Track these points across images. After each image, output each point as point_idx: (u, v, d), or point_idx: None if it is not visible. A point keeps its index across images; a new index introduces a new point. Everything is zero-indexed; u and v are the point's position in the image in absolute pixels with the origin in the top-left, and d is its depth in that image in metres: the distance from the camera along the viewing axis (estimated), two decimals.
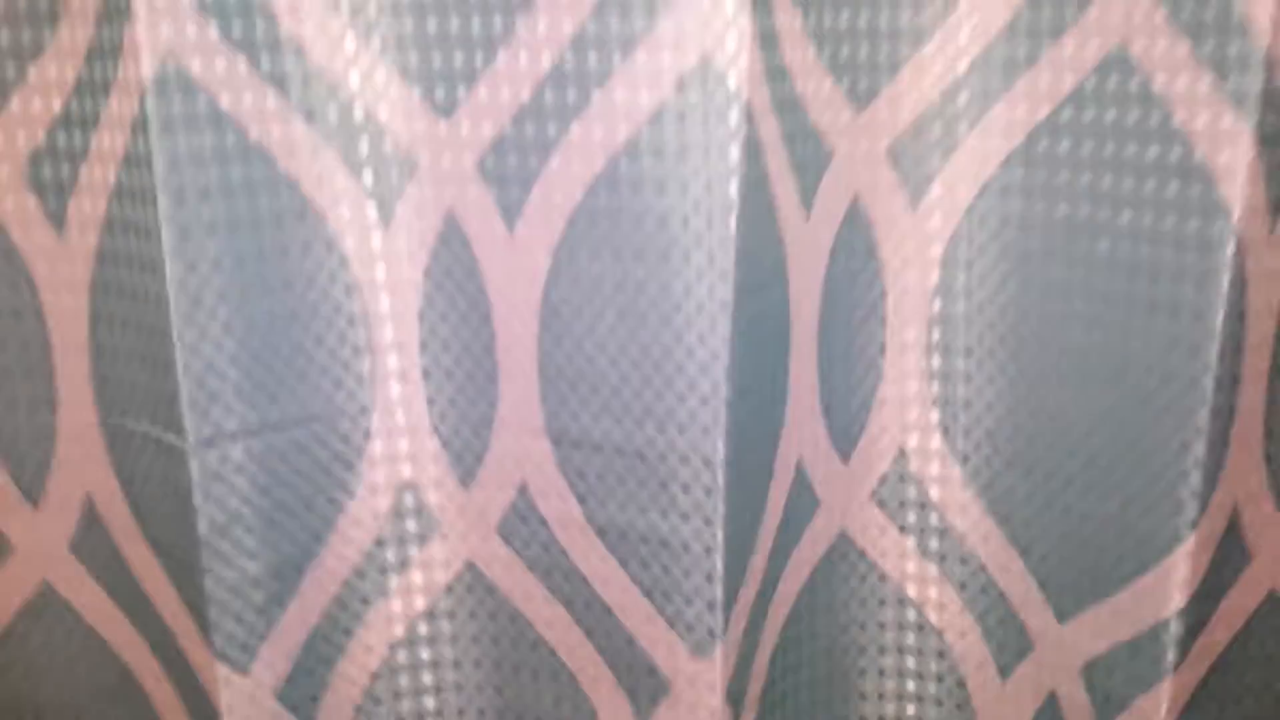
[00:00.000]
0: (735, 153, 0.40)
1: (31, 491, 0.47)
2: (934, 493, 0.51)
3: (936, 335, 0.49)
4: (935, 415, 0.50)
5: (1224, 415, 0.42)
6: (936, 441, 0.50)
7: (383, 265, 0.45)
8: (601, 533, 0.46)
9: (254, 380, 0.43)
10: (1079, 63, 0.43)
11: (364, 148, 0.44)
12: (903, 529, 0.52)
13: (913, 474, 0.51)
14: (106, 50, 0.40)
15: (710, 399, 0.43)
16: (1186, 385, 0.42)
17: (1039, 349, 0.47)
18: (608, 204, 0.42)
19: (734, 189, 0.41)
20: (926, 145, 0.47)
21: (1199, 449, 0.43)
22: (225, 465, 0.43)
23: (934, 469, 0.51)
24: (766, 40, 0.40)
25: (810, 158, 0.45)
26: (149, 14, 0.38)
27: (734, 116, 0.40)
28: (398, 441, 0.48)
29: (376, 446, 0.47)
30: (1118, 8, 0.42)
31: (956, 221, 0.48)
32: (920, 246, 0.48)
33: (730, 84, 0.40)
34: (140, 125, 0.39)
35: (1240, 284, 0.41)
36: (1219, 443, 0.43)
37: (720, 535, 0.44)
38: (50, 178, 0.43)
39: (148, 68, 0.38)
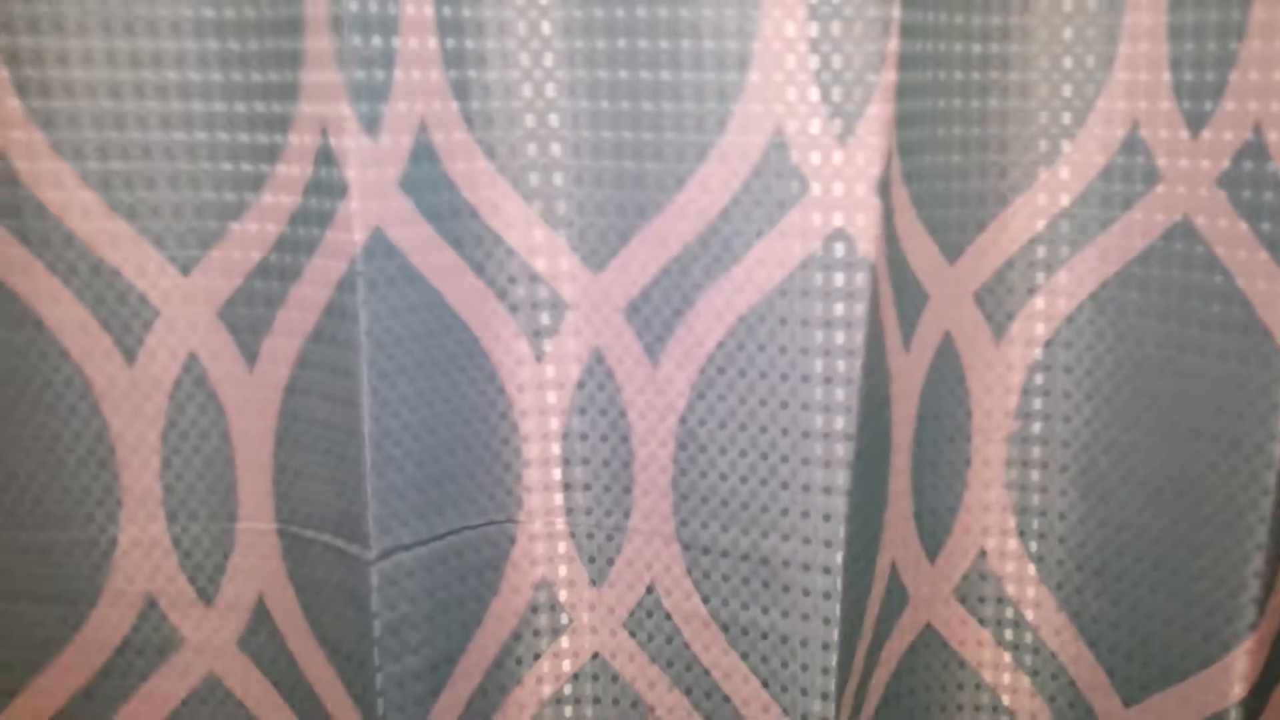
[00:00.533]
0: (862, 308, 0.47)
1: (206, 592, 0.52)
2: (1011, 589, 0.57)
3: (1016, 451, 0.56)
4: (1013, 520, 0.57)
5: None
6: (1014, 544, 0.57)
7: (533, 394, 0.51)
8: (724, 628, 0.52)
9: (427, 498, 0.49)
10: (1148, 228, 0.50)
11: (523, 293, 0.50)
12: (981, 621, 0.58)
13: (992, 572, 0.58)
14: (313, 217, 0.45)
15: (832, 516, 0.49)
16: (1247, 506, 0.49)
17: (1109, 468, 0.54)
18: (745, 349, 0.48)
19: (860, 338, 0.47)
20: (1008, 289, 0.54)
21: (1258, 561, 0.49)
22: (399, 572, 0.49)
23: (1011, 568, 0.57)
24: (889, 214, 0.47)
25: (912, 302, 0.52)
26: (362, 192, 0.44)
27: (863, 278, 0.46)
28: (536, 546, 0.53)
29: (519, 550, 0.53)
30: (1182, 186, 0.49)
31: (1036, 354, 0.54)
32: (1002, 375, 0.55)
33: (860, 250, 0.46)
34: (348, 284, 0.44)
35: None
36: (1275, 556, 0.50)
37: (837, 634, 0.50)
38: (245, 318, 0.49)
39: (359, 235, 0.44)
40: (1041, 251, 0.53)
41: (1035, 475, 0.56)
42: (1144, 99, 0.50)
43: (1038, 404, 0.55)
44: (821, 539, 0.49)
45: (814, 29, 0.44)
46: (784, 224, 0.47)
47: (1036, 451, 0.56)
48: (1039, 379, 0.55)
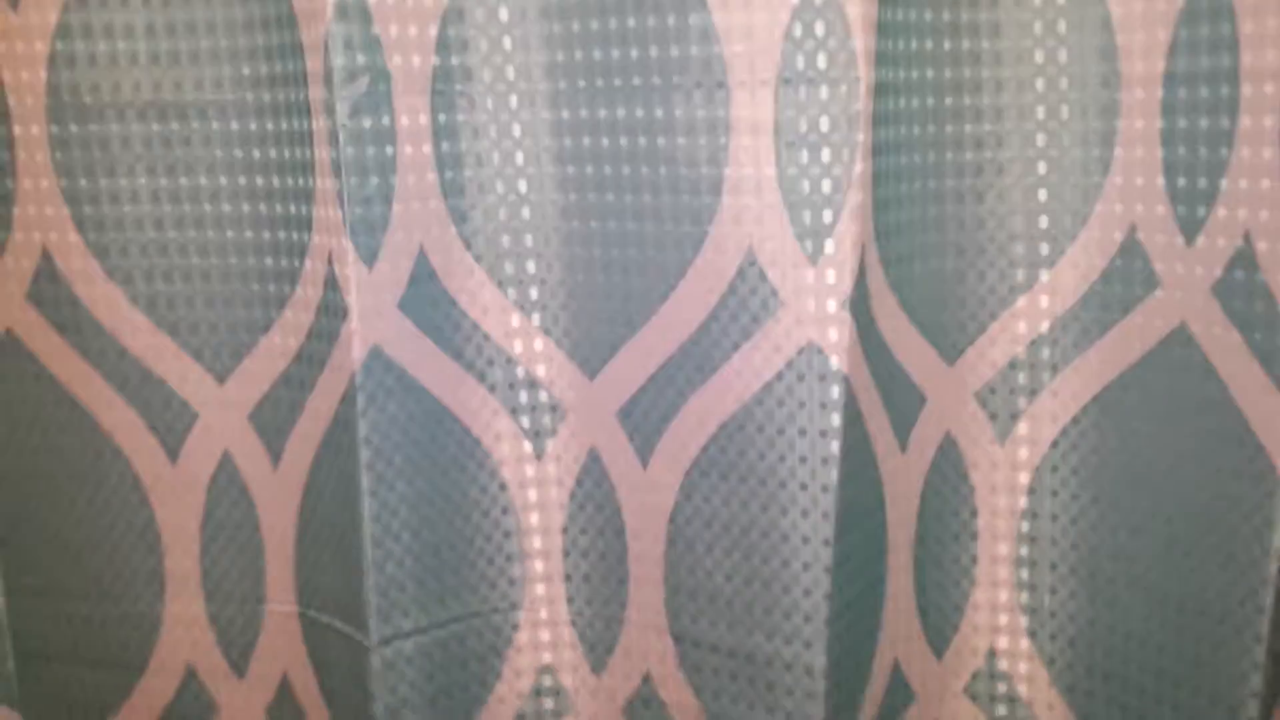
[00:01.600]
0: (837, 419, 0.49)
1: (239, 666, 0.58)
2: (1023, 690, 0.58)
3: (1025, 551, 0.57)
4: (1024, 621, 0.57)
5: (1278, 652, 0.49)
6: (1025, 644, 0.58)
7: (535, 490, 0.55)
8: None
9: (427, 588, 0.54)
10: (1148, 333, 0.51)
11: (524, 398, 0.54)
12: None
13: (1003, 672, 0.58)
14: (323, 335, 0.51)
15: (813, 617, 0.51)
16: (1244, 624, 0.49)
17: (1116, 574, 0.54)
18: (726, 454, 0.51)
19: (836, 448, 0.49)
20: (1011, 390, 0.55)
21: (1256, 682, 0.49)
22: (399, 657, 0.54)
23: (1023, 668, 0.58)
24: (866, 328, 0.49)
25: (906, 405, 0.53)
26: (360, 315, 0.49)
27: (836, 390, 0.49)
28: (540, 633, 0.57)
29: (523, 636, 0.57)
30: (1179, 293, 0.49)
31: (1043, 453, 0.55)
32: (1009, 475, 0.56)
33: (833, 364, 0.48)
34: (350, 396, 0.50)
35: None
36: (1274, 676, 0.49)
37: None
38: (271, 421, 0.55)
39: (358, 354, 0.49)
40: (1045, 353, 0.54)
41: (1046, 577, 0.57)
42: (1140, 203, 0.50)
43: (1047, 505, 0.56)
44: (803, 639, 0.52)
45: (781, 156, 0.47)
46: (759, 338, 0.49)
47: (1047, 553, 0.56)
48: (1048, 480, 0.56)
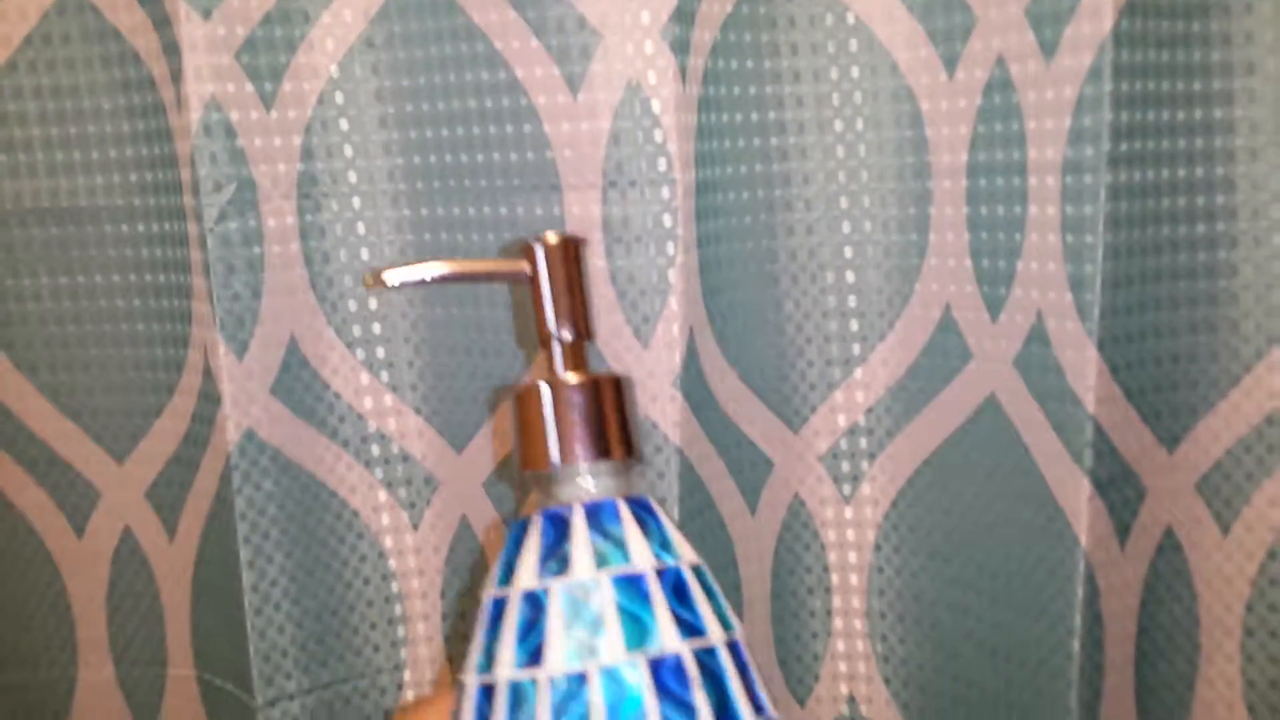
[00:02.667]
0: (675, 488, 0.53)
1: None
2: None
3: (876, 603, 0.61)
4: (879, 669, 0.61)
5: (1089, 698, 0.53)
6: (882, 691, 0.62)
7: (414, 556, 0.60)
8: None
9: (309, 653, 0.58)
10: (965, 403, 0.55)
11: (399, 472, 0.59)
12: None
13: (863, 717, 0.62)
14: (205, 419, 0.56)
15: None
16: (1054, 673, 0.53)
17: (953, 625, 0.58)
18: None
19: (675, 513, 0.54)
20: (854, 454, 0.59)
21: None
22: (285, 717, 0.58)
23: (881, 714, 0.62)
24: (703, 403, 0.54)
25: (753, 471, 0.58)
26: (233, 401, 0.54)
27: (672, 461, 0.53)
28: (426, 691, 0.62)
29: (409, 697, 0.61)
30: (989, 365, 0.54)
31: (885, 511, 0.59)
32: (858, 532, 0.60)
33: (667, 438, 0.53)
34: (226, 476, 0.54)
35: (1094, 594, 0.52)
36: (1089, 718, 0.53)
37: None
38: (165, 498, 0.59)
39: (232, 436, 0.54)
40: (882, 420, 0.59)
41: (896, 627, 0.61)
42: (953, 283, 0.55)
43: (892, 560, 0.60)
44: None
45: (611, 251, 0.52)
46: None
47: (895, 605, 0.60)
48: (892, 537, 0.60)
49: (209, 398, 0.55)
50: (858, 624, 0.61)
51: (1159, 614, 0.55)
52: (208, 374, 0.55)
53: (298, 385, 0.56)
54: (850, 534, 0.60)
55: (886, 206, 0.56)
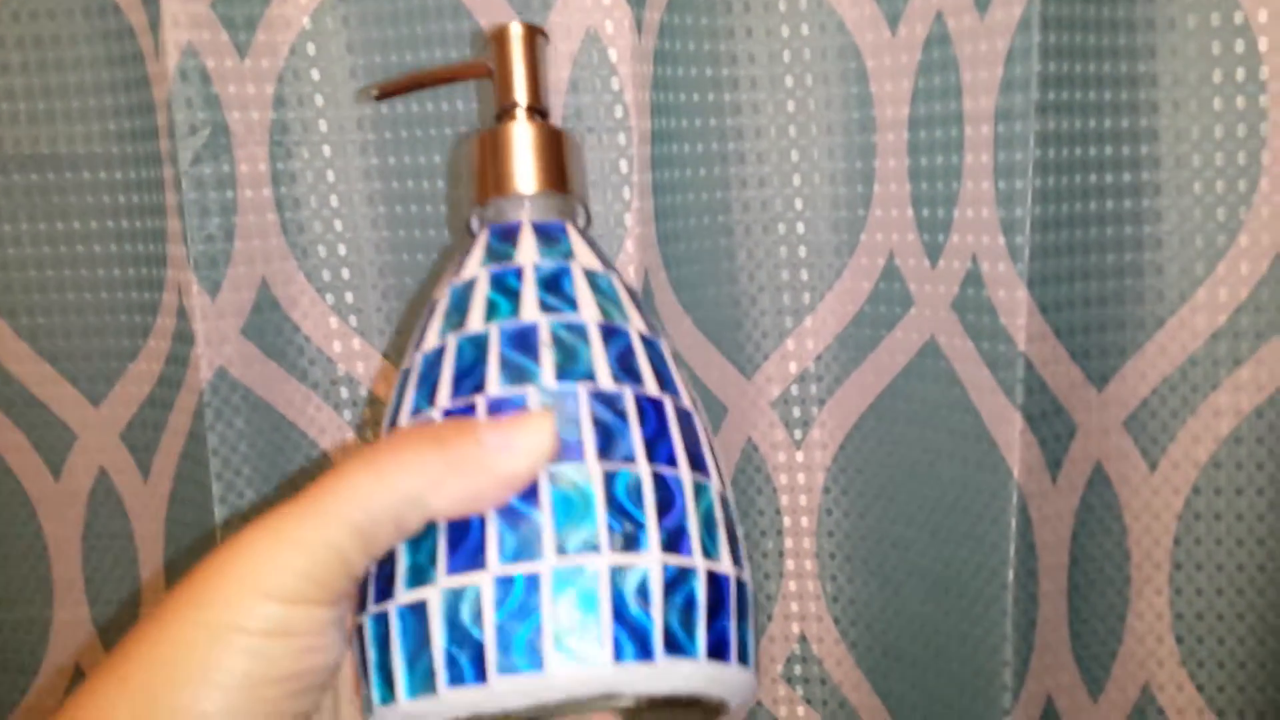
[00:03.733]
0: None
1: None
2: (832, 671, 0.65)
3: (826, 544, 0.64)
4: (829, 608, 0.64)
5: (1024, 625, 0.56)
6: (831, 629, 0.64)
7: None
8: None
9: None
10: (907, 346, 0.58)
11: (368, 414, 0.61)
12: (809, 701, 0.65)
13: (814, 655, 0.65)
14: (179, 359, 0.58)
15: None
16: (990, 601, 0.56)
17: (898, 561, 0.61)
18: None
19: None
20: (805, 399, 0.62)
21: (1006, 652, 0.56)
22: None
23: (830, 651, 0.65)
24: None
25: (709, 416, 0.60)
26: (207, 339, 0.56)
27: None
28: None
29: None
30: (928, 310, 0.57)
31: (833, 455, 0.62)
32: (808, 476, 0.63)
33: None
34: (200, 413, 0.57)
35: (1027, 524, 0.55)
36: (1023, 646, 0.56)
37: None
38: (140, 439, 0.62)
39: (205, 374, 0.56)
40: (830, 365, 0.61)
41: (843, 567, 0.63)
42: (895, 232, 0.58)
43: (840, 502, 0.63)
44: None
45: None
46: None
47: (843, 545, 0.63)
48: (840, 479, 0.63)
49: (183, 338, 0.57)
50: (809, 564, 0.64)
51: (1090, 547, 0.58)
52: (182, 314, 0.57)
53: (269, 327, 0.58)
54: (801, 477, 0.63)
55: (834, 159, 0.59)
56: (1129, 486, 0.58)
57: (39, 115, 0.59)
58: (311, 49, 0.57)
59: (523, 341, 0.35)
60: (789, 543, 0.64)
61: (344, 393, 0.61)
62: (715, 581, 0.34)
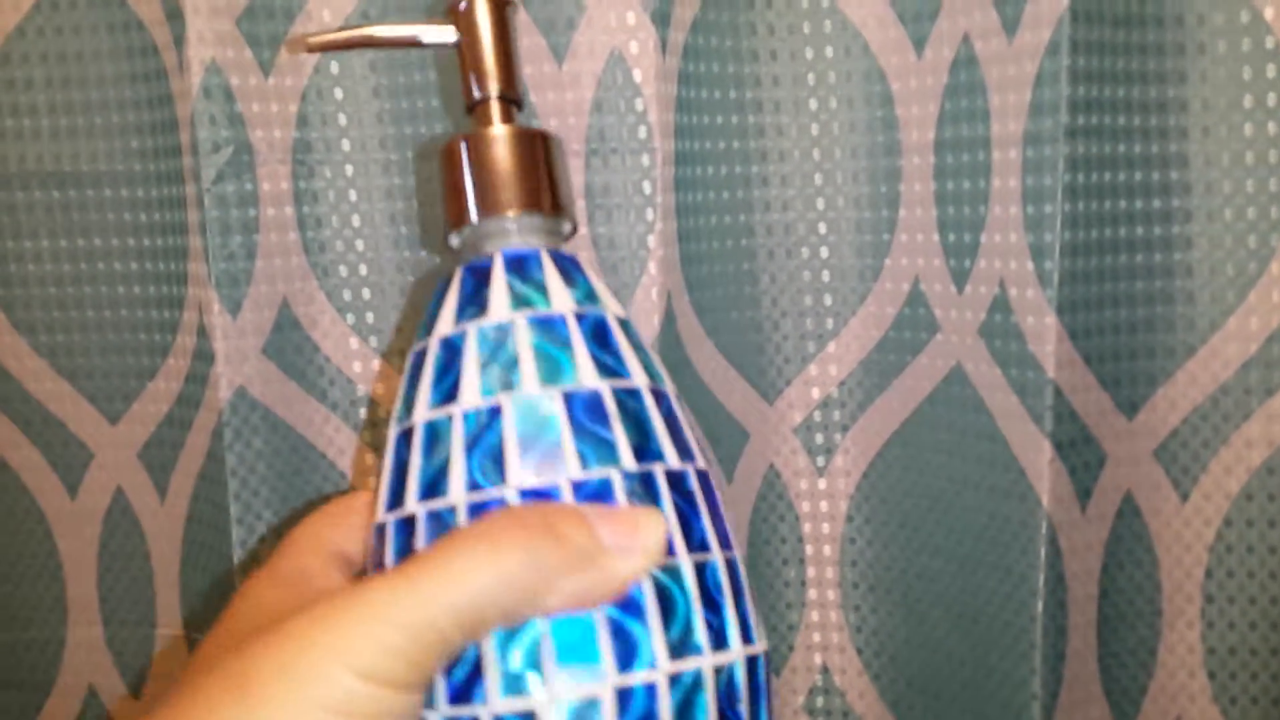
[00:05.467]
0: None
1: (135, 687, 0.65)
2: (855, 704, 0.64)
3: (849, 574, 0.63)
4: (852, 639, 0.63)
5: (1053, 659, 0.55)
6: (854, 660, 0.64)
7: None
8: None
9: None
10: (932, 372, 0.58)
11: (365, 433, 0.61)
12: None
13: (837, 687, 0.64)
14: (198, 378, 0.58)
15: None
16: (1018, 633, 0.55)
17: (923, 593, 0.60)
18: None
19: None
20: (828, 426, 0.62)
21: (1035, 685, 0.55)
22: None
23: (853, 684, 0.64)
24: (680, 368, 0.56)
25: (730, 441, 0.60)
26: (226, 358, 0.56)
27: None
28: None
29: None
30: (955, 336, 0.56)
31: (857, 483, 0.62)
32: (831, 504, 0.63)
33: None
34: (218, 433, 0.57)
35: (1056, 555, 0.54)
36: (1052, 679, 0.55)
37: None
38: (157, 459, 0.62)
39: (224, 394, 0.56)
40: (854, 392, 0.61)
41: (866, 597, 0.63)
42: (921, 257, 0.58)
43: (864, 531, 0.62)
44: None
45: (594, 218, 0.55)
46: None
47: (867, 575, 0.63)
48: (864, 508, 0.62)
49: (203, 356, 0.58)
50: (831, 594, 0.64)
51: (1120, 578, 0.57)
52: (202, 333, 0.57)
53: (289, 347, 0.58)
54: (824, 505, 0.63)
55: (859, 183, 0.59)
56: (1160, 517, 0.57)
57: (61, 131, 0.59)
58: (335, 68, 0.57)
59: (593, 413, 0.32)
60: (811, 572, 0.64)
61: (363, 414, 0.61)
62: (757, 663, 0.34)
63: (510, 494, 0.31)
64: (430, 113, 0.57)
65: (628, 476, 0.32)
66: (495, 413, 0.32)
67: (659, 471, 0.32)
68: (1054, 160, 0.51)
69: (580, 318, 0.33)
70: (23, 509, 0.63)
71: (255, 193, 0.56)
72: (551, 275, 0.34)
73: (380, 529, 0.33)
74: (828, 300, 0.61)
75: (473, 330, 0.33)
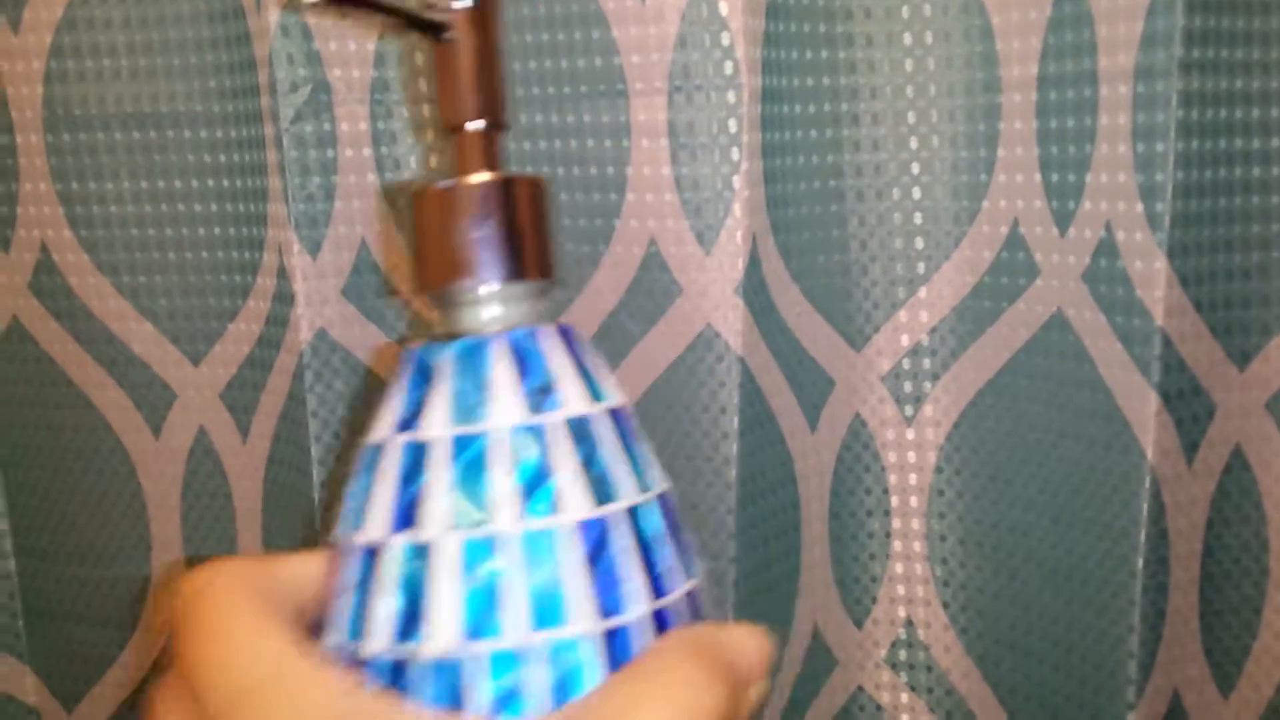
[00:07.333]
0: (734, 397, 0.55)
1: None
2: (940, 659, 0.64)
3: (936, 526, 0.62)
4: (937, 593, 0.63)
5: (1153, 616, 0.54)
6: (940, 615, 0.63)
7: None
8: None
9: None
10: (1030, 319, 0.56)
11: None
12: (914, 688, 0.64)
13: (921, 641, 0.64)
14: (279, 320, 0.59)
15: (721, 580, 0.58)
16: (1117, 590, 0.54)
17: (1015, 547, 0.59)
18: (644, 425, 0.58)
19: (733, 424, 0.56)
20: (917, 374, 0.61)
21: (1132, 644, 0.54)
22: None
23: (938, 638, 0.63)
24: (765, 313, 0.56)
25: (814, 387, 0.60)
26: (307, 300, 0.57)
27: (733, 369, 0.55)
28: None
29: None
30: (1055, 281, 0.55)
31: (947, 433, 0.61)
32: (919, 454, 0.62)
33: (729, 346, 0.55)
34: (299, 374, 0.58)
35: (1159, 509, 0.53)
36: (1151, 639, 0.54)
37: None
38: (239, 400, 0.63)
39: (305, 335, 0.57)
40: (945, 340, 0.60)
41: (955, 550, 0.62)
42: (1021, 199, 0.56)
43: (954, 482, 0.61)
44: (714, 601, 0.58)
45: (676, 156, 0.54)
46: (662, 323, 0.56)
47: (955, 528, 0.62)
48: (954, 459, 0.61)
49: (283, 298, 0.58)
50: (917, 546, 0.63)
51: (1226, 535, 0.56)
52: (282, 274, 0.58)
53: (367, 289, 0.59)
54: (911, 455, 0.62)
55: (955, 122, 0.58)
56: (1270, 473, 0.55)
57: (140, 72, 0.60)
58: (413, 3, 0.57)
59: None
60: (897, 523, 0.63)
61: None
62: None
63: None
64: (509, 48, 0.57)
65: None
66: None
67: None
68: (1167, 95, 0.49)
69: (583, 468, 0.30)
70: (108, 448, 0.65)
71: (334, 133, 0.56)
72: (569, 381, 0.31)
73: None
74: (919, 244, 0.59)
75: (446, 439, 0.30)
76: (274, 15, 0.54)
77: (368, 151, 0.58)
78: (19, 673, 0.71)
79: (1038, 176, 0.55)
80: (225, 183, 0.61)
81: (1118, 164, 0.52)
